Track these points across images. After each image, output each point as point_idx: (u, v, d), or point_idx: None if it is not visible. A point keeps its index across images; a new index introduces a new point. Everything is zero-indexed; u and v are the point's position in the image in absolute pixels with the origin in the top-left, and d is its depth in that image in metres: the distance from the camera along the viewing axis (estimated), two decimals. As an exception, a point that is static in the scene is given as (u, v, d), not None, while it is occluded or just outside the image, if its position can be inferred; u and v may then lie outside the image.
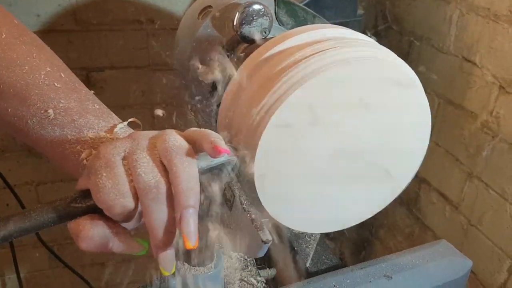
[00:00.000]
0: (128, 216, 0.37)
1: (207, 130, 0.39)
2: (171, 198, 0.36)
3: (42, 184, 1.16)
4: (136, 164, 0.36)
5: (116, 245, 0.37)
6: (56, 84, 0.43)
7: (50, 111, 0.42)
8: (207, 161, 0.40)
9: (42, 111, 0.42)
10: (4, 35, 0.44)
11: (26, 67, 0.43)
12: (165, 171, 0.36)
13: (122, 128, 0.44)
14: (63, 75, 0.45)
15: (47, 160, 1.10)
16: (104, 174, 0.35)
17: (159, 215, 0.35)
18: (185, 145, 0.37)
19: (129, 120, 0.45)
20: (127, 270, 1.38)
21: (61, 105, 0.43)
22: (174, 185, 0.35)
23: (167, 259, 0.37)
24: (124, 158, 0.37)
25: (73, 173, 0.43)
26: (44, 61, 0.44)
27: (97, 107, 0.45)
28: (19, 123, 0.43)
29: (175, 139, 0.37)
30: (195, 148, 0.39)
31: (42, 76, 0.43)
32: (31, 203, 1.14)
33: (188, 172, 0.36)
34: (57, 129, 0.42)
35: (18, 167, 1.12)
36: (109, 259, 1.32)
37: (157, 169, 0.36)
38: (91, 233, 0.36)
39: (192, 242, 0.35)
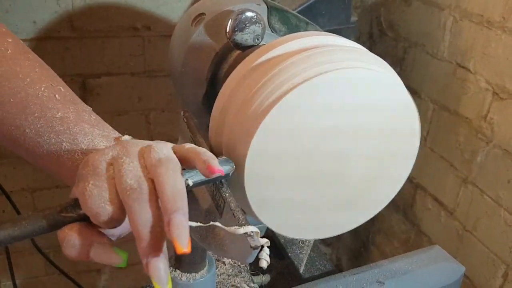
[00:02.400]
0: (116, 224, 0.37)
1: (201, 148, 0.39)
2: (156, 200, 0.35)
3: (38, 191, 1.16)
4: (120, 168, 0.36)
5: (97, 254, 0.37)
6: (55, 96, 0.46)
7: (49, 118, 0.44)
8: (201, 176, 0.39)
9: (40, 120, 0.44)
10: (10, 51, 0.47)
11: (28, 80, 0.46)
12: (151, 178, 0.36)
13: (127, 139, 0.44)
14: (62, 89, 0.47)
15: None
16: (91, 182, 0.36)
17: (143, 215, 0.34)
18: (171, 157, 0.37)
19: (132, 137, 0.45)
20: (122, 277, 1.38)
21: (58, 114, 0.44)
22: (160, 193, 0.35)
23: (158, 270, 0.34)
24: (110, 164, 0.37)
25: (68, 180, 0.44)
26: (46, 76, 0.47)
27: (93, 117, 0.46)
28: (15, 132, 0.45)
29: (161, 151, 0.37)
30: (189, 166, 0.39)
31: (42, 89, 0.46)
32: (27, 210, 1.14)
33: (174, 179, 0.35)
34: (53, 137, 0.44)
35: (14, 173, 1.12)
36: (105, 265, 1.32)
37: (142, 173, 0.36)
38: (73, 241, 0.36)
39: (183, 246, 0.33)
